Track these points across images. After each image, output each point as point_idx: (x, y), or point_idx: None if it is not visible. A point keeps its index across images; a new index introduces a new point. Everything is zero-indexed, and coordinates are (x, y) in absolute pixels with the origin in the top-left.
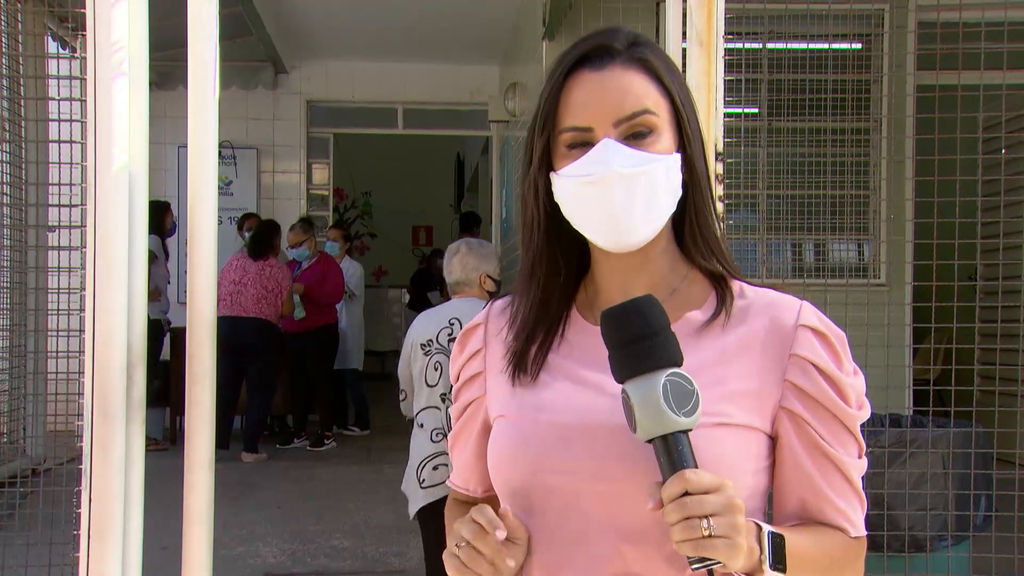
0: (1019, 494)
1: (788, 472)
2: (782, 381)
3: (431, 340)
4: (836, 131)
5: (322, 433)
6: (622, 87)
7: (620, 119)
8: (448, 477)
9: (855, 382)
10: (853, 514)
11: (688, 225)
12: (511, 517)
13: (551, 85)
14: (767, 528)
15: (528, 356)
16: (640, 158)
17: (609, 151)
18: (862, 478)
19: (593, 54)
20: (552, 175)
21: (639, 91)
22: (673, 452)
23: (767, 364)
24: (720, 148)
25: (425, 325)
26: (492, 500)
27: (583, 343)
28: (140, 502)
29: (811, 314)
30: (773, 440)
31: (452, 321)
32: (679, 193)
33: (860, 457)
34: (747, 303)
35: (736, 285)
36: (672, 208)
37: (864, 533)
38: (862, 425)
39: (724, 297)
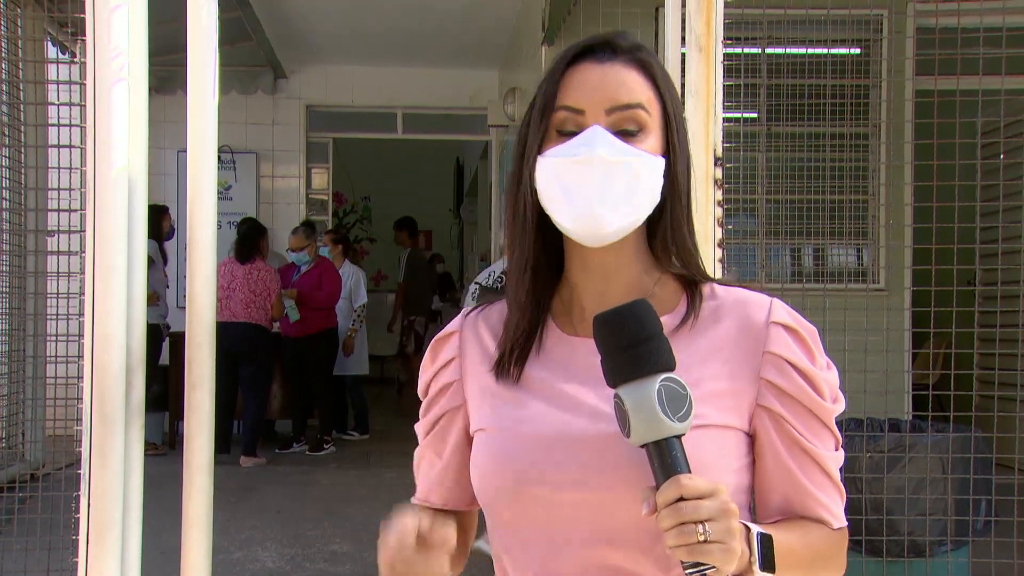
0: (1019, 499)
1: (769, 469)
2: (757, 379)
3: (479, 283)
4: (835, 136)
5: (321, 438)
6: (620, 79)
7: (613, 107)
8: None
9: (829, 376)
10: (834, 506)
11: (661, 234)
12: (428, 524)
13: (551, 71)
14: (755, 529)
15: (507, 367)
16: (625, 149)
17: (596, 136)
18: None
19: (597, 48)
20: (539, 157)
21: (636, 87)
22: (667, 457)
23: (741, 362)
24: (719, 153)
25: (481, 274)
26: (461, 515)
27: (560, 352)
28: (139, 506)
29: (782, 311)
30: (751, 437)
31: (490, 271)
32: (657, 197)
33: (837, 450)
34: (718, 303)
35: (707, 287)
36: (649, 210)
37: (845, 524)
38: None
39: (693, 299)
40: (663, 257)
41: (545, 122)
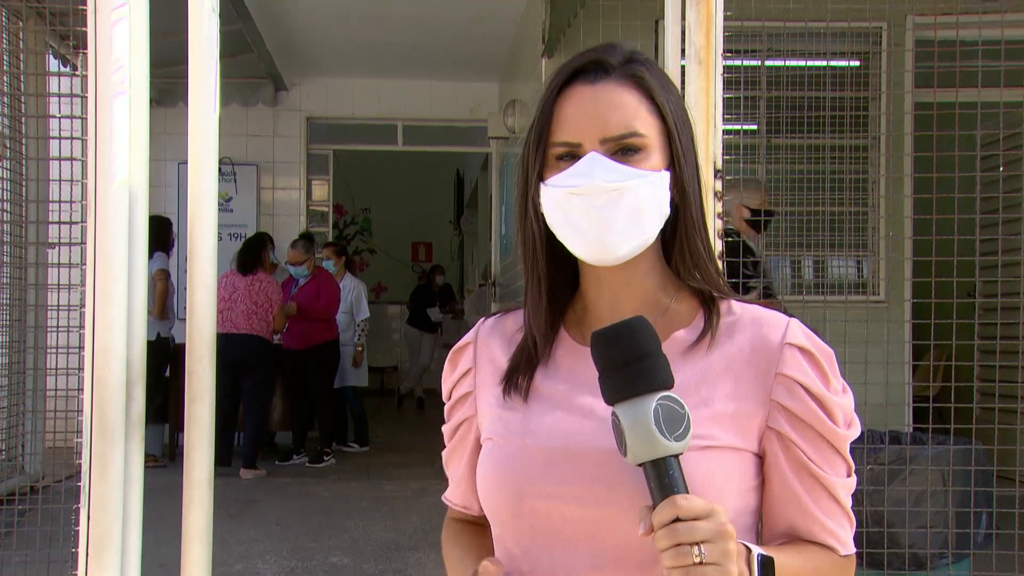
0: (1020, 511)
1: (776, 492)
2: (768, 401)
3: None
4: (835, 148)
5: (321, 450)
6: (613, 104)
7: (607, 138)
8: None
9: (843, 401)
10: (842, 533)
11: (677, 245)
12: None
13: (545, 98)
14: (756, 550)
15: (517, 378)
16: (625, 173)
17: (594, 164)
18: (853, 496)
19: (588, 68)
20: (541, 185)
21: (629, 110)
22: (664, 477)
23: (752, 383)
24: (719, 165)
25: None
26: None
27: (571, 364)
28: (139, 519)
29: (798, 332)
30: (760, 458)
31: None
32: (667, 211)
33: (848, 476)
34: (734, 320)
35: (724, 303)
36: (659, 225)
37: (854, 551)
38: (859, 441)
39: (711, 316)
40: (681, 269)
41: (542, 151)
